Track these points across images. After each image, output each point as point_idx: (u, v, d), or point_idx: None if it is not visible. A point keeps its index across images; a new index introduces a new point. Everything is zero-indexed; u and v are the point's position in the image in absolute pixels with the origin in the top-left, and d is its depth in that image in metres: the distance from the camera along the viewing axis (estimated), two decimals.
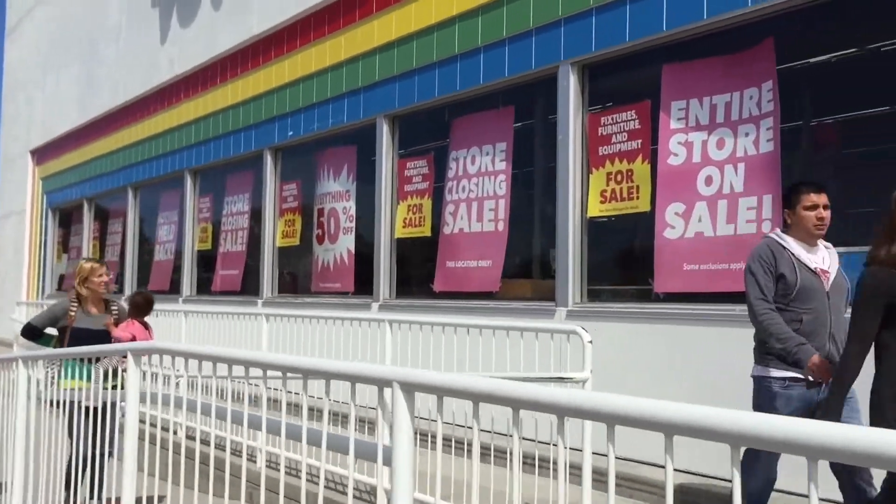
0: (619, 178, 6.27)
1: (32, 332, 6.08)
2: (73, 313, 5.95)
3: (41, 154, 19.22)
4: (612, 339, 5.83)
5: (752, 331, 5.43)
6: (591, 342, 4.50)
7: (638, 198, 6.13)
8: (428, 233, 8.04)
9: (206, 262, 12.15)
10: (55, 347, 5.88)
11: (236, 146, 11.20)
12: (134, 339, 6.08)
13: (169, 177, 13.13)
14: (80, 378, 5.01)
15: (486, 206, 7.41)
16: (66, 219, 17.70)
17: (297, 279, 10.34)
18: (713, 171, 5.70)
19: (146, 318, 6.53)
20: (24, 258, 19.60)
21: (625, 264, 6.60)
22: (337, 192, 9.39)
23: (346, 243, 9.20)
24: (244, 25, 10.88)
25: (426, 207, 8.09)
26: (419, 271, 8.41)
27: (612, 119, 6.35)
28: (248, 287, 10.89)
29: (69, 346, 5.73)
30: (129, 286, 13.90)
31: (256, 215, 10.82)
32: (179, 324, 8.52)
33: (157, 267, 13.46)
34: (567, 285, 6.43)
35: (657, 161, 6.01)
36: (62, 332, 5.95)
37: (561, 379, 4.22)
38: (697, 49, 5.87)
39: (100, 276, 6.08)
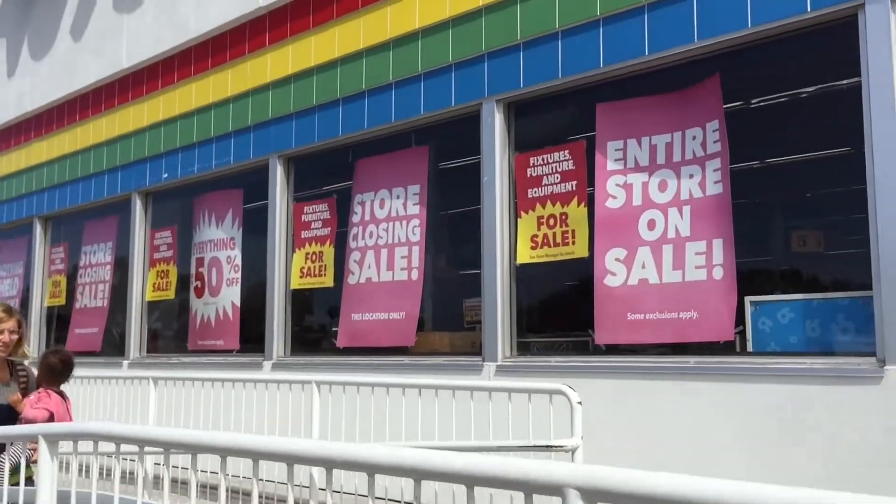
0: (551, 222, 5.85)
1: None
2: None
3: None
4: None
5: (707, 384, 5.13)
6: (580, 403, 3.95)
7: (574, 243, 5.73)
8: (330, 283, 7.32)
9: (58, 319, 10.80)
10: None
11: (98, 190, 10.06)
12: (51, 417, 4.71)
13: (13, 224, 11.69)
14: None
15: (398, 254, 6.81)
16: None
17: (170, 337, 9.27)
18: (656, 214, 5.38)
19: (63, 387, 5.01)
20: None
21: (560, 314, 6.14)
22: (220, 239, 8.51)
23: (230, 296, 8.30)
24: (111, 58, 9.87)
25: (327, 255, 7.38)
26: (319, 325, 7.66)
27: (543, 160, 5.95)
28: (110, 347, 9.69)
29: None
30: None
31: (122, 266, 9.68)
32: None
33: None
34: (496, 338, 5.90)
35: (594, 204, 5.65)
36: None
37: (548, 447, 3.63)
38: (636, 87, 5.59)
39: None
